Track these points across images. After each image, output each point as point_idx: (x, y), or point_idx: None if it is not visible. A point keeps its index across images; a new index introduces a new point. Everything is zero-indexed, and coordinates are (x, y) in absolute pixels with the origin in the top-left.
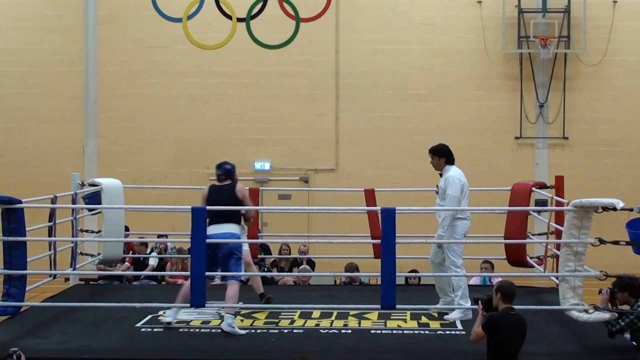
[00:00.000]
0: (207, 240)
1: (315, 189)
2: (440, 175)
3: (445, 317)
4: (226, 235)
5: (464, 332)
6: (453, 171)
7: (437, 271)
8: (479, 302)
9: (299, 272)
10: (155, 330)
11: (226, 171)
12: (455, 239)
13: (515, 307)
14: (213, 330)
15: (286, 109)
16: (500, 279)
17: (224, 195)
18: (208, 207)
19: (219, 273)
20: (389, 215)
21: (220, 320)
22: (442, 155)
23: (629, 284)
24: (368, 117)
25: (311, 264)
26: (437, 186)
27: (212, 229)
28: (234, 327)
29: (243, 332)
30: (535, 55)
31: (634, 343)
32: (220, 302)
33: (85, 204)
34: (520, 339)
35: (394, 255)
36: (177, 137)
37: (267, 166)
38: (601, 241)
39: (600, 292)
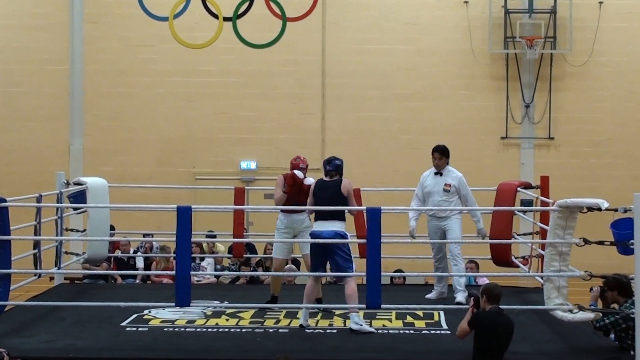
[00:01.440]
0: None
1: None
2: (439, 174)
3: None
4: (330, 233)
5: (449, 332)
6: (458, 171)
7: (443, 261)
8: (472, 298)
9: (284, 271)
10: (140, 329)
11: (336, 166)
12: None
13: (501, 306)
14: (198, 330)
15: (272, 108)
16: (485, 278)
17: (329, 191)
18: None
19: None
20: (375, 215)
21: (205, 320)
22: (447, 156)
23: (619, 283)
24: (354, 117)
25: (296, 263)
26: (446, 185)
27: (317, 225)
28: (361, 325)
29: (371, 329)
30: (521, 55)
31: (617, 343)
32: (206, 301)
33: (71, 202)
34: (507, 339)
35: (379, 255)
36: (163, 136)
37: (253, 165)
38: (586, 241)
39: (591, 289)
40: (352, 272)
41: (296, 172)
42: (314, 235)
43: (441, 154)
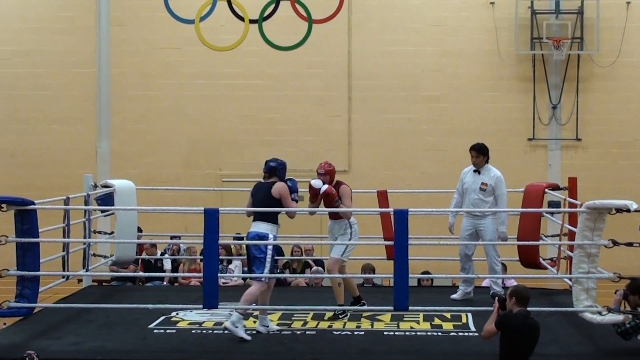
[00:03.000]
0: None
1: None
2: (477, 172)
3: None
4: (251, 234)
5: (476, 334)
6: (497, 171)
7: (468, 262)
8: (497, 299)
9: (311, 273)
10: (168, 331)
11: (270, 168)
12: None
13: (529, 309)
14: (226, 332)
15: (298, 110)
16: (513, 280)
17: (261, 192)
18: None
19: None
20: (402, 216)
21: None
22: (485, 154)
23: None
24: (380, 119)
25: (321, 265)
26: (482, 184)
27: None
28: (237, 327)
29: (246, 336)
30: (548, 56)
31: None
32: (233, 303)
33: (98, 205)
34: (532, 342)
35: (406, 257)
36: (189, 139)
37: None
38: (614, 243)
39: (616, 292)
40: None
41: (312, 182)
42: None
43: (478, 152)
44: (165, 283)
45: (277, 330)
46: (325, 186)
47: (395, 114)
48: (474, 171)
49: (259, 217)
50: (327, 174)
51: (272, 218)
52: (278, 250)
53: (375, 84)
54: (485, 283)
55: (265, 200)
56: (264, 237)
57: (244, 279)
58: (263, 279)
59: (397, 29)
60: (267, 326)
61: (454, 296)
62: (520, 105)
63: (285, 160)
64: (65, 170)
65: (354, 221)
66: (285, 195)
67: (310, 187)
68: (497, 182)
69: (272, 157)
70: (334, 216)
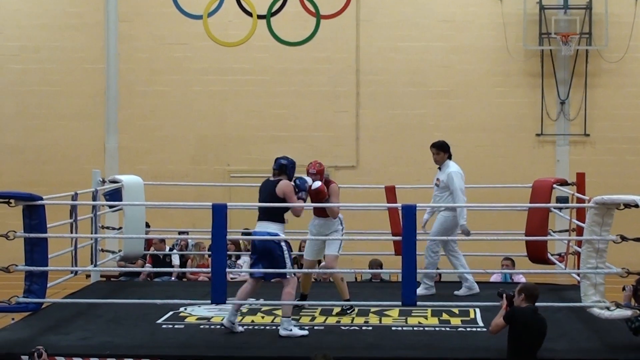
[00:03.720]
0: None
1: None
2: (440, 169)
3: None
4: (263, 234)
5: (485, 329)
6: (454, 166)
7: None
8: (504, 296)
9: (319, 269)
10: (176, 326)
11: (280, 166)
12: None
13: (537, 304)
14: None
15: (307, 106)
16: (521, 276)
17: (267, 190)
18: None
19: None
20: (410, 212)
21: (240, 317)
22: (446, 151)
23: None
24: (388, 114)
25: None
26: (437, 179)
27: (256, 226)
28: (291, 330)
29: (303, 332)
30: (556, 52)
31: None
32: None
33: (106, 200)
34: (540, 337)
35: (414, 252)
36: (197, 134)
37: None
38: (623, 238)
39: (623, 288)
40: (291, 275)
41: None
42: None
43: (438, 149)
44: (173, 278)
45: (241, 331)
46: (318, 183)
47: (403, 110)
48: (438, 168)
49: (265, 216)
50: (318, 173)
51: (278, 217)
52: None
53: (383, 79)
54: (493, 278)
55: (269, 199)
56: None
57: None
58: (289, 275)
59: (405, 24)
60: (234, 323)
61: (457, 292)
62: (529, 101)
63: (294, 160)
64: (74, 166)
65: (342, 217)
66: (289, 194)
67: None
68: (449, 177)
69: (282, 155)
70: (322, 213)
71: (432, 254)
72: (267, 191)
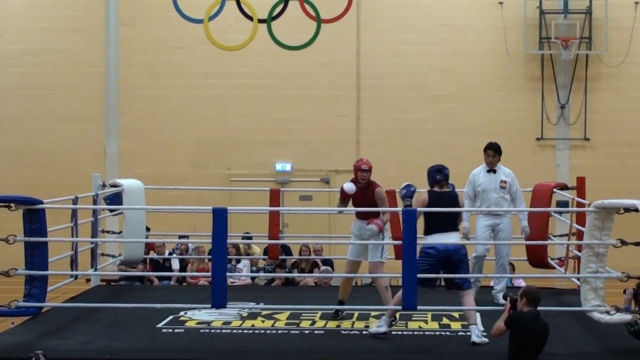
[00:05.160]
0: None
1: (336, 189)
2: (492, 171)
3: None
4: (455, 246)
5: (485, 333)
6: (507, 169)
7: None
8: (508, 299)
9: (320, 273)
10: (176, 331)
11: (446, 176)
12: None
13: (538, 308)
14: (234, 331)
15: (307, 109)
16: (521, 280)
17: (447, 202)
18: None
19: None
20: (410, 216)
21: (241, 321)
22: (501, 153)
23: None
24: (389, 118)
25: (328, 264)
26: (502, 182)
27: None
28: (480, 337)
29: (484, 339)
30: (556, 56)
31: None
32: (241, 303)
33: (107, 204)
34: (541, 342)
35: (414, 256)
36: (198, 138)
37: (288, 167)
38: (623, 242)
39: (624, 291)
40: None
41: (345, 186)
42: (438, 248)
43: (495, 152)
44: (172, 282)
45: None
46: (376, 228)
47: (403, 114)
48: (488, 171)
49: (453, 227)
50: (370, 170)
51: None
52: (287, 250)
53: (383, 83)
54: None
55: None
56: (463, 248)
57: (252, 278)
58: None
59: (405, 28)
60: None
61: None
62: (529, 105)
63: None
64: (74, 170)
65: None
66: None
67: (344, 191)
68: (513, 179)
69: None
70: (363, 216)
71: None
72: (453, 203)
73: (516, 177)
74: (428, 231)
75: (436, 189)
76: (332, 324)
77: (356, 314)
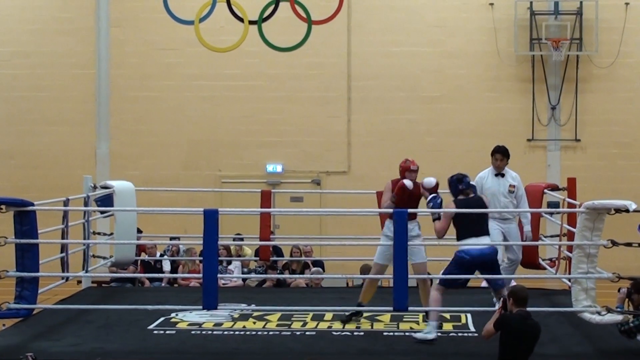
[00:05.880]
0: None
1: (327, 191)
2: (500, 175)
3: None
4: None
5: (476, 334)
6: (514, 172)
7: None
8: (501, 300)
9: (311, 274)
10: (167, 332)
11: (468, 184)
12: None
13: (528, 309)
14: (226, 332)
15: (298, 111)
16: (513, 281)
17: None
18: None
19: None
20: (401, 217)
21: (232, 323)
22: (509, 157)
23: None
24: (380, 120)
25: (319, 265)
26: (511, 186)
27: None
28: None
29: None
30: (547, 57)
31: None
32: (233, 304)
33: (98, 206)
34: (532, 343)
35: (406, 257)
36: (189, 140)
37: (279, 168)
38: (614, 243)
39: (619, 290)
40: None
41: (406, 182)
42: (472, 253)
43: (503, 155)
44: (163, 284)
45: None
46: (433, 179)
47: (394, 115)
48: (496, 175)
49: (487, 231)
50: (417, 171)
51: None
52: (278, 252)
53: (374, 84)
54: (484, 284)
55: (486, 216)
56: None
57: (244, 279)
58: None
59: (396, 29)
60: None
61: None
62: (520, 106)
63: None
64: (65, 172)
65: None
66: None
67: (405, 189)
68: (519, 182)
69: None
70: (415, 217)
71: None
72: (481, 207)
73: None
74: (461, 236)
75: (461, 197)
76: (323, 325)
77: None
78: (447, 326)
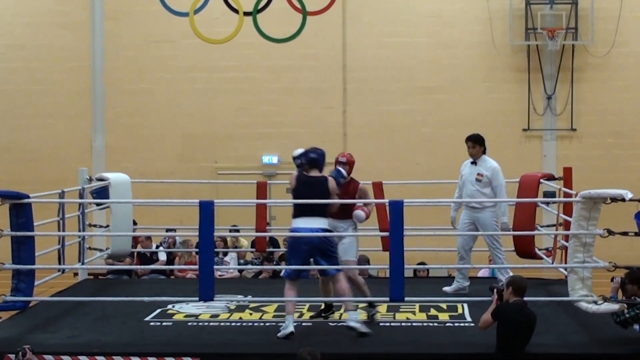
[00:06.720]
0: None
1: None
2: (473, 163)
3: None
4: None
5: (473, 324)
6: (494, 161)
7: (466, 257)
8: (495, 290)
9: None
10: (164, 324)
11: (310, 159)
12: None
13: (525, 298)
14: (222, 324)
15: (293, 102)
16: (509, 270)
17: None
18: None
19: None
20: (397, 208)
21: (228, 314)
22: (482, 144)
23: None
24: (375, 110)
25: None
26: (478, 174)
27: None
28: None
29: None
30: (542, 47)
31: None
32: (229, 295)
33: (93, 198)
34: (529, 332)
35: (402, 248)
36: (184, 132)
37: (275, 160)
38: (610, 232)
39: (612, 280)
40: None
41: (355, 214)
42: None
43: (474, 143)
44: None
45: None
46: (363, 214)
47: (390, 106)
48: (471, 162)
49: (317, 212)
50: (348, 164)
51: (326, 213)
52: (274, 243)
53: (370, 75)
54: (481, 274)
55: (326, 197)
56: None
57: (240, 271)
58: (334, 271)
59: (391, 20)
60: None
61: (446, 289)
62: (515, 96)
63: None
64: (61, 165)
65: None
66: (334, 193)
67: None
68: (493, 172)
69: (312, 147)
70: (339, 215)
71: (501, 251)
72: (320, 189)
73: (502, 169)
74: (294, 214)
75: (302, 172)
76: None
77: (344, 306)
78: (444, 316)
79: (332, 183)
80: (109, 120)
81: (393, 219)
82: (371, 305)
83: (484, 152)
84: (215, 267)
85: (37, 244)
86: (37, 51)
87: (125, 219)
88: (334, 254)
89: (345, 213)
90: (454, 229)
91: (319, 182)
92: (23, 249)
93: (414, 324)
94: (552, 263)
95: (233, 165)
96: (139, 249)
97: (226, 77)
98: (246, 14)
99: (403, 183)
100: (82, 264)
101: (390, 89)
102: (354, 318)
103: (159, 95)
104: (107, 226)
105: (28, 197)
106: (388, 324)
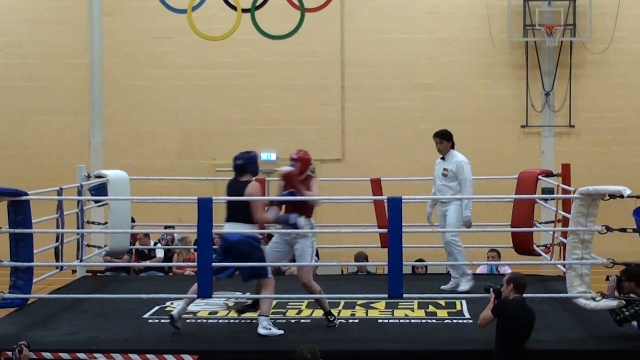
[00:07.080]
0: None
1: (321, 178)
2: (442, 159)
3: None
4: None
5: (471, 321)
6: (461, 156)
7: (454, 252)
8: (491, 290)
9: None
10: (162, 321)
11: (237, 166)
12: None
13: (523, 295)
14: (220, 321)
15: (292, 99)
16: (507, 267)
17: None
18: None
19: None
20: (396, 204)
21: (227, 311)
22: (449, 140)
23: (637, 274)
24: (374, 107)
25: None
26: (444, 169)
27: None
28: (270, 329)
29: (280, 331)
30: (541, 43)
31: None
32: (227, 292)
33: (92, 195)
34: (528, 329)
35: (400, 244)
36: (182, 129)
37: (273, 157)
38: (608, 229)
39: (607, 278)
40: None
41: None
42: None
43: (441, 138)
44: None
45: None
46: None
47: (388, 102)
48: (441, 158)
49: (239, 218)
50: (299, 160)
51: (250, 219)
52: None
53: (368, 72)
54: (479, 270)
55: (242, 202)
56: (250, 237)
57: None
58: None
59: (390, 17)
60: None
61: (444, 287)
62: (513, 93)
63: (254, 153)
64: (59, 161)
65: (313, 221)
66: (257, 196)
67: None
68: (458, 167)
69: (241, 153)
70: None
71: (457, 246)
72: (238, 195)
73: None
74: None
75: (237, 178)
76: (318, 313)
77: (342, 302)
78: (442, 313)
79: (250, 188)
80: (107, 116)
81: (391, 216)
82: (329, 315)
83: (452, 147)
84: (214, 264)
85: (35, 241)
86: (34, 47)
87: (124, 216)
88: (257, 259)
89: (301, 210)
90: (464, 227)
91: (237, 187)
92: (21, 246)
93: (412, 320)
94: (551, 259)
95: (231, 162)
96: (137, 246)
97: (224, 73)
98: (244, 10)
99: (401, 179)
100: (81, 261)
101: (388, 85)
102: (264, 325)
103: (157, 91)
104: (105, 223)
105: (26, 194)
106: (387, 320)
